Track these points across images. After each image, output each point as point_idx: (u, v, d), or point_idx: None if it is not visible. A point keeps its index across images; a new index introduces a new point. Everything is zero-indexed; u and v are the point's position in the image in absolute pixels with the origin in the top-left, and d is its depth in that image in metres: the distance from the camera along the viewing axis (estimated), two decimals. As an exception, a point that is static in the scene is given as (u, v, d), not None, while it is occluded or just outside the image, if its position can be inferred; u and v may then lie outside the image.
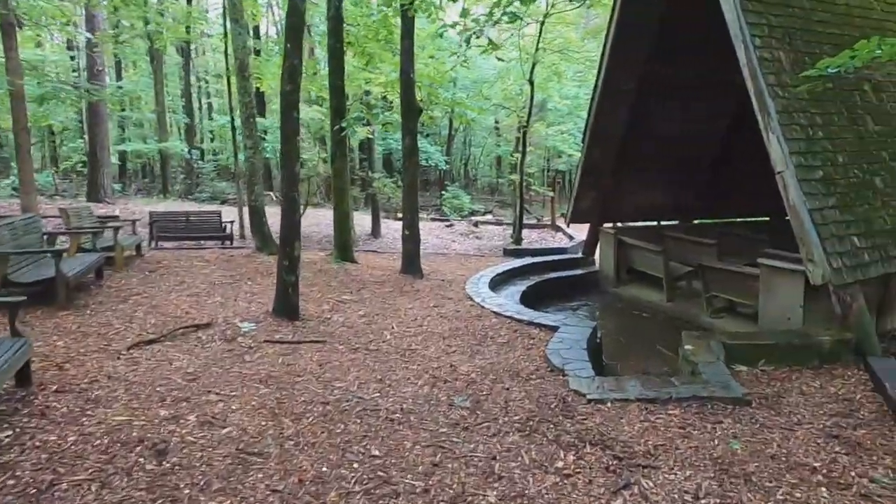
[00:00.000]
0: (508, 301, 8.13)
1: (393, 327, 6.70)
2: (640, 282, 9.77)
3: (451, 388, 4.89)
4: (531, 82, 15.15)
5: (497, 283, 9.46)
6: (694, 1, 7.49)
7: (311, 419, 4.18)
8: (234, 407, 4.32)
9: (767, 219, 10.98)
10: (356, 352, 5.79)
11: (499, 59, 10.15)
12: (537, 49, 14.73)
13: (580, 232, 13.84)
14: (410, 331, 6.59)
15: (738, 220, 11.30)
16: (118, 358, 5.17)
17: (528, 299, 8.78)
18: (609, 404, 4.47)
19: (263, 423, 4.08)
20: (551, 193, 19.77)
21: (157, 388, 4.56)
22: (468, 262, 12.56)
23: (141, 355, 5.29)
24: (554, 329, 6.39)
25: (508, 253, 14.32)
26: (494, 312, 7.29)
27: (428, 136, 27.53)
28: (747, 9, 6.14)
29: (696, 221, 11.03)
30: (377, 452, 3.73)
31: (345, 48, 10.74)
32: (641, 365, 6.52)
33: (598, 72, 9.43)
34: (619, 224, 10.63)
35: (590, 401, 4.53)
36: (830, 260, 5.57)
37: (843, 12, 7.01)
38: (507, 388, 4.87)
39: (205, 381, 4.79)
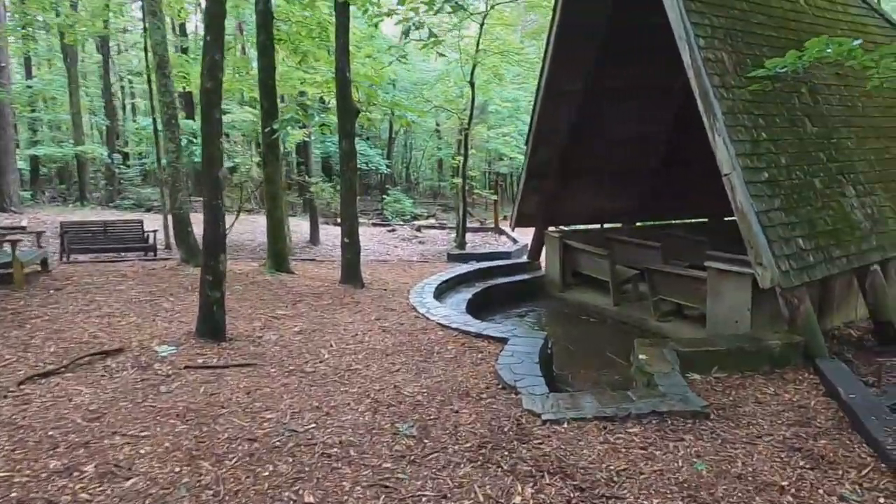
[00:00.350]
0: (454, 311, 7.77)
1: (331, 345, 6.19)
2: (587, 286, 9.64)
3: (395, 413, 4.45)
4: (472, 84, 14.92)
5: (442, 291, 9.09)
6: (640, 2, 7.37)
7: (234, 461, 3.65)
8: (143, 450, 3.72)
9: (706, 220, 11.14)
10: (290, 375, 5.25)
11: (440, 55, 9.73)
12: (477, 50, 14.51)
13: (524, 235, 13.72)
14: (350, 348, 6.10)
15: (677, 222, 11.42)
16: (4, 397, 4.44)
17: (474, 308, 8.45)
18: (566, 425, 4.16)
19: (177, 469, 3.52)
20: (494, 196, 19.63)
21: (50, 433, 3.90)
22: (411, 268, 12.13)
23: (34, 391, 4.57)
24: (503, 341, 6.06)
25: (453, 258, 14.00)
26: (440, 325, 6.90)
27: (368, 139, 26.92)
28: (690, 9, 6.04)
29: (638, 224, 11.04)
30: (311, 499, 3.25)
31: (276, 45, 10.09)
32: (593, 374, 6.31)
33: (541, 73, 9.25)
34: (564, 227, 10.50)
35: (545, 421, 4.21)
36: (779, 262, 5.51)
37: (779, 15, 7.07)
38: (457, 411, 4.48)
39: (110, 420, 4.15)
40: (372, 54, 13.60)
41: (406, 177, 34.23)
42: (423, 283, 9.26)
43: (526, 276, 10.39)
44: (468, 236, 16.66)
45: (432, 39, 7.58)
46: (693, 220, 11.35)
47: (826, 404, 4.65)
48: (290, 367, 5.45)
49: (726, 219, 11.34)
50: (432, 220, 25.02)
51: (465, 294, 9.19)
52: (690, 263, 8.11)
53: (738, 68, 6.08)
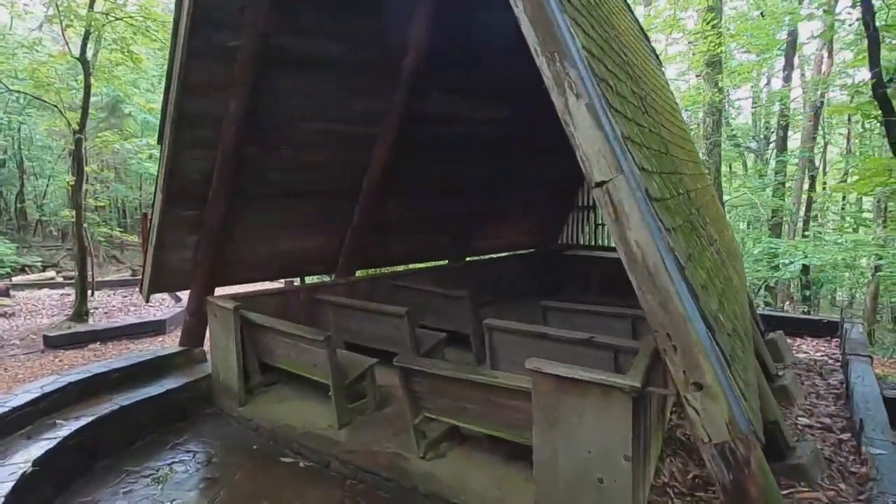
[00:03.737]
0: None
1: None
2: (289, 390, 5.61)
3: None
4: (83, 63, 9.45)
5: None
6: None
7: None
8: None
9: (445, 262, 8.30)
10: None
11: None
12: (91, 6, 9.16)
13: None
14: None
15: (404, 266, 8.33)
16: None
17: (73, 460, 3.58)
18: None
19: None
20: (134, 238, 13.86)
21: None
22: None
23: None
24: None
25: (53, 343, 8.27)
26: None
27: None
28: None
29: (359, 273, 7.49)
30: None
31: None
32: None
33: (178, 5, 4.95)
34: (242, 289, 6.27)
35: None
36: (736, 373, 2.48)
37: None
38: None
39: None
40: None
41: (17, 212, 24.33)
42: None
43: (180, 381, 5.73)
44: (104, 295, 10.88)
45: None
46: (426, 265, 8.38)
47: None
48: None
49: (470, 259, 8.79)
50: (52, 274, 17.40)
51: (50, 439, 4.16)
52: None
53: None
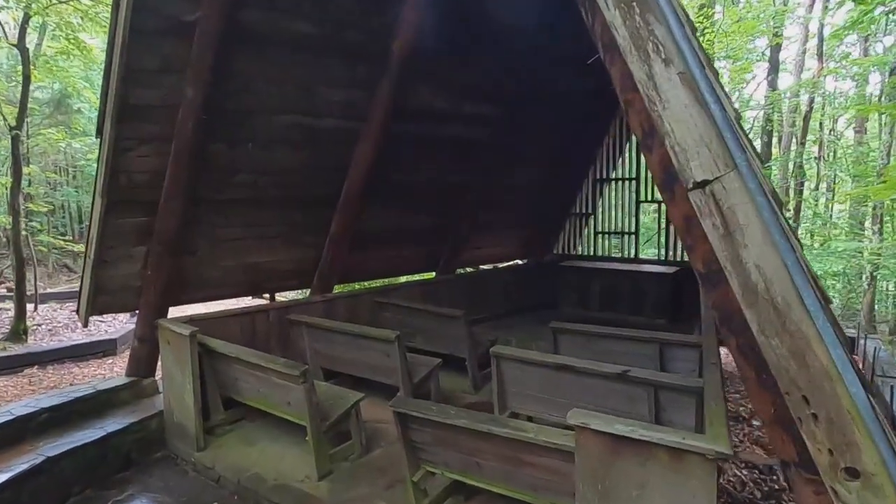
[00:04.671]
0: None
1: None
2: (257, 429, 4.75)
3: None
4: (22, 50, 8.39)
5: None
6: None
7: None
8: None
9: (433, 275, 7.52)
10: None
11: None
12: (27, -12, 8.12)
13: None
14: None
15: (386, 281, 7.52)
16: None
17: None
18: None
19: None
20: (81, 247, 12.64)
21: None
22: None
23: None
24: None
25: (-20, 369, 7.17)
26: None
27: None
28: None
29: (337, 289, 6.62)
30: None
31: None
32: None
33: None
34: (202, 308, 5.38)
35: None
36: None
37: None
38: None
39: None
40: None
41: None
42: None
43: (125, 422, 4.79)
44: (52, 311, 9.79)
45: None
46: (412, 278, 7.60)
47: None
48: None
49: (460, 273, 8.02)
50: (-5, 284, 15.92)
51: None
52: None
53: None
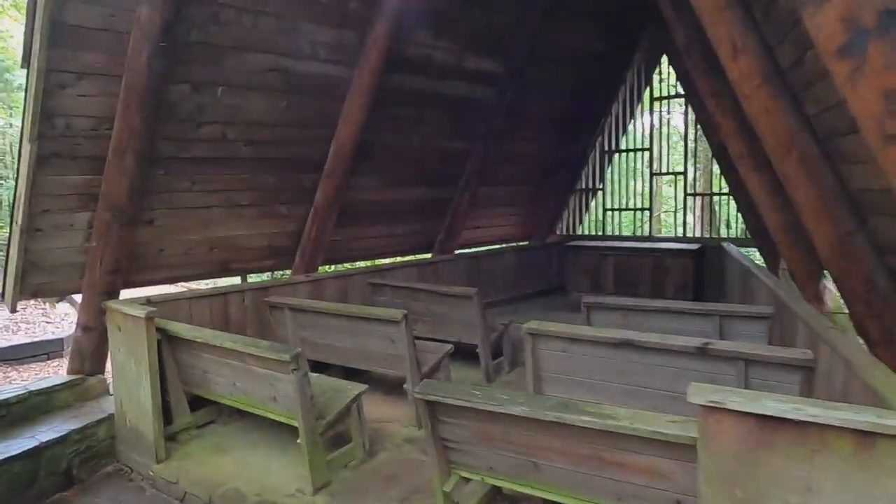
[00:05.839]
0: None
1: None
2: (231, 434, 3.87)
3: None
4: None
5: None
6: None
7: None
8: None
9: (429, 256, 6.70)
10: None
11: None
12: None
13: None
14: None
15: (377, 262, 6.64)
16: None
17: None
18: None
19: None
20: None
21: None
22: None
23: None
24: None
25: None
26: None
27: None
28: None
29: (320, 270, 5.74)
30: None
31: None
32: None
33: None
34: (160, 290, 4.47)
35: None
36: None
37: None
38: None
39: None
40: None
41: None
42: None
43: (65, 428, 3.82)
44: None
45: None
46: (407, 259, 6.76)
47: None
48: None
49: (460, 252, 7.19)
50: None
51: None
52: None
53: None
